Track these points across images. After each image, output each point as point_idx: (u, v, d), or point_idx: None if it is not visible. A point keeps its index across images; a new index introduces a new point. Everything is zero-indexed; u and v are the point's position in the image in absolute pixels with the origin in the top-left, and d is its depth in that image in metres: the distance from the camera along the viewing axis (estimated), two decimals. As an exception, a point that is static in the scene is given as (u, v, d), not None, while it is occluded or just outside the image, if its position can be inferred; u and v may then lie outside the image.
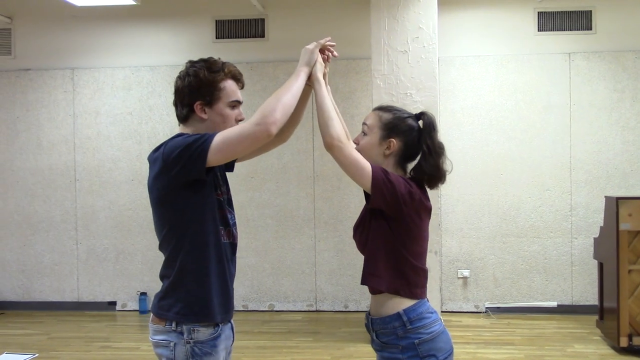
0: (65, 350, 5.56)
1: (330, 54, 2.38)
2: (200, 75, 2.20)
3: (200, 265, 2.18)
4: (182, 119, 2.27)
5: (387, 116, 2.33)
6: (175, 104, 2.28)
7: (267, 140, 2.10)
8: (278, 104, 2.10)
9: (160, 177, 2.16)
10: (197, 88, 2.20)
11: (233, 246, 2.31)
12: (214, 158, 2.08)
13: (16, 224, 7.12)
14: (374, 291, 2.30)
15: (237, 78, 2.28)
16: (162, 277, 2.26)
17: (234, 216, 2.35)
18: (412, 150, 2.32)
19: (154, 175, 2.19)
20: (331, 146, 2.19)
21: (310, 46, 2.29)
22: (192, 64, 2.25)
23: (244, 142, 2.08)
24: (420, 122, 2.34)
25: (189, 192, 2.15)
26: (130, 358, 5.29)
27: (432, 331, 2.23)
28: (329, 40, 2.36)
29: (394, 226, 2.23)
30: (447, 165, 2.32)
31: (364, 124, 2.36)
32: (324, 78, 2.35)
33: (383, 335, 2.27)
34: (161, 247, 2.26)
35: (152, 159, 2.22)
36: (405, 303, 2.24)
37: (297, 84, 2.20)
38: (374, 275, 2.26)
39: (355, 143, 2.37)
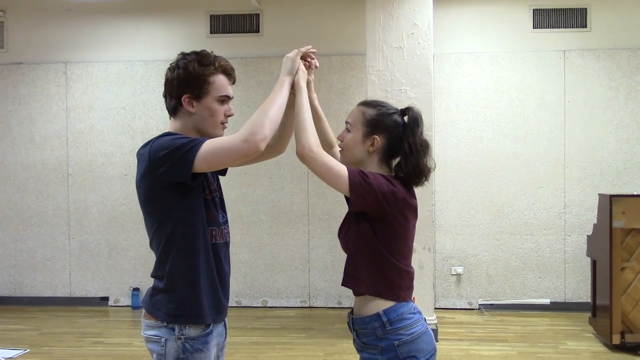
0: (57, 345, 5.53)
1: (312, 62, 2.33)
2: (189, 68, 2.16)
3: (189, 268, 2.16)
4: (171, 111, 2.24)
5: (370, 112, 2.27)
6: (165, 95, 2.25)
7: (255, 155, 2.08)
8: (265, 119, 2.06)
9: (146, 176, 2.14)
10: (186, 81, 2.16)
11: (226, 245, 2.29)
12: (200, 166, 2.06)
13: (8, 219, 7.08)
14: (356, 292, 2.26)
15: (229, 73, 2.23)
16: (154, 277, 2.25)
17: (225, 214, 2.32)
18: (397, 147, 2.26)
19: (141, 173, 2.16)
20: (302, 156, 2.15)
21: (291, 54, 2.25)
22: (183, 56, 2.22)
23: (231, 155, 2.05)
24: (406, 118, 2.28)
25: (175, 193, 2.12)
26: (123, 354, 5.27)
27: (412, 332, 2.18)
28: (310, 48, 2.32)
29: (377, 227, 2.18)
30: (430, 163, 2.25)
31: (346, 120, 2.32)
32: (309, 85, 2.30)
33: (363, 336, 2.23)
34: (151, 246, 2.24)
35: (139, 155, 2.20)
36: (387, 304, 2.19)
37: (282, 95, 2.16)
38: (354, 277, 2.23)
39: (339, 140, 2.33)
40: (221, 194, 2.34)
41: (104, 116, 7.00)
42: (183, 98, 2.18)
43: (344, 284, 2.27)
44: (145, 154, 2.13)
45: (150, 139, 2.20)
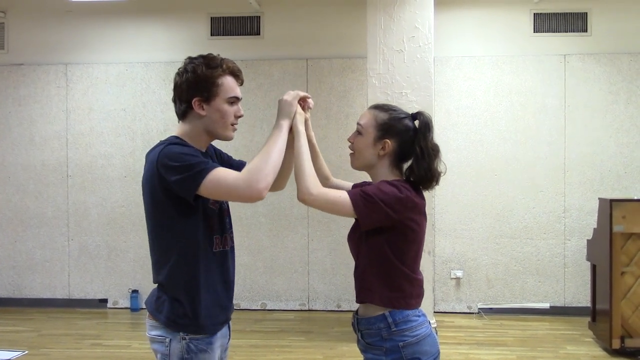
0: (56, 347, 5.51)
1: (307, 102, 2.33)
2: (198, 72, 2.17)
3: (190, 279, 2.16)
4: (181, 115, 2.25)
5: (382, 116, 2.29)
6: (174, 100, 2.26)
7: (258, 200, 2.11)
8: (268, 166, 2.08)
9: (152, 180, 2.15)
10: (195, 84, 2.18)
11: (231, 250, 2.30)
12: (203, 192, 2.08)
13: (7, 220, 7.07)
14: (365, 301, 2.27)
15: (236, 74, 2.25)
16: (156, 283, 2.25)
17: (230, 221, 2.33)
18: (408, 151, 2.28)
19: (147, 176, 2.18)
20: (303, 200, 2.19)
21: (288, 97, 2.25)
22: (190, 60, 2.23)
23: (232, 195, 2.08)
24: (416, 122, 2.30)
25: (179, 203, 2.12)
26: (121, 356, 5.25)
27: (417, 334, 2.20)
28: (307, 95, 2.32)
29: (389, 236, 2.19)
30: (441, 167, 2.28)
31: (358, 123, 2.33)
32: (306, 123, 2.31)
33: (368, 336, 2.24)
34: (150, 248, 2.24)
35: (147, 157, 2.20)
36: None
37: (281, 139, 2.17)
38: (366, 289, 2.24)
39: (349, 142, 2.34)
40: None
41: (104, 118, 7.00)
42: (193, 101, 2.19)
43: (360, 300, 2.27)
44: (154, 159, 2.13)
45: (151, 140, 2.21)
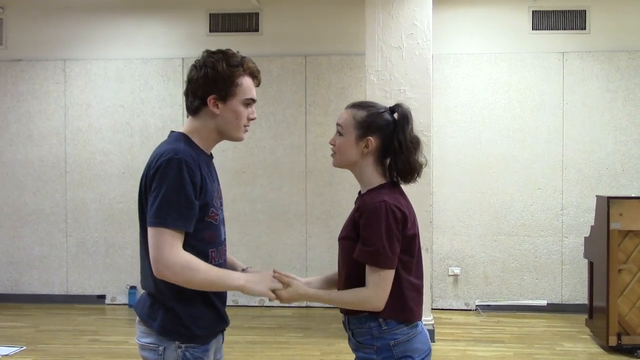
0: (54, 343, 5.52)
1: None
2: (218, 68, 2.08)
3: (182, 289, 2.05)
4: (193, 110, 2.14)
5: (361, 114, 2.24)
6: (187, 94, 2.14)
7: (156, 275, 2.01)
8: (193, 281, 1.99)
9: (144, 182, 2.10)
10: (213, 81, 2.08)
11: (224, 262, 2.23)
12: (147, 230, 2.03)
13: (5, 216, 7.07)
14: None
15: (255, 75, 2.17)
16: (144, 288, 2.17)
17: (225, 230, 2.25)
18: (391, 146, 2.23)
19: (143, 175, 2.11)
20: (377, 310, 2.14)
21: (265, 284, 2.16)
22: (209, 54, 2.13)
23: (151, 257, 1.99)
24: (395, 115, 2.26)
25: None
26: (119, 352, 5.26)
27: (408, 332, 2.18)
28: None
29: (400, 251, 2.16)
30: (421, 159, 2.24)
31: (337, 123, 2.28)
32: (303, 285, 2.32)
33: (359, 335, 2.22)
34: (141, 253, 2.14)
35: (151, 156, 2.12)
36: None
37: (226, 285, 2.09)
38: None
39: (331, 144, 2.30)
40: (222, 209, 2.25)
41: (102, 114, 6.99)
42: (209, 99, 2.10)
43: (359, 314, 2.20)
44: (151, 165, 2.05)
45: (149, 136, 2.18)
